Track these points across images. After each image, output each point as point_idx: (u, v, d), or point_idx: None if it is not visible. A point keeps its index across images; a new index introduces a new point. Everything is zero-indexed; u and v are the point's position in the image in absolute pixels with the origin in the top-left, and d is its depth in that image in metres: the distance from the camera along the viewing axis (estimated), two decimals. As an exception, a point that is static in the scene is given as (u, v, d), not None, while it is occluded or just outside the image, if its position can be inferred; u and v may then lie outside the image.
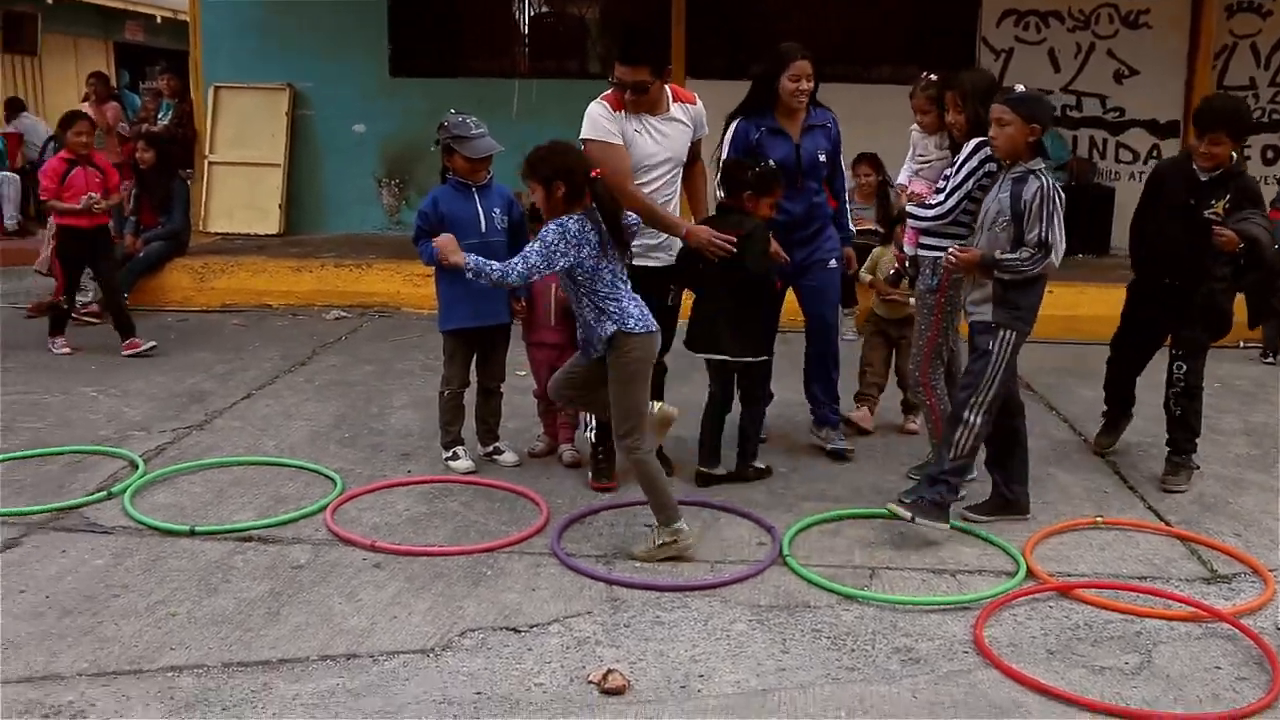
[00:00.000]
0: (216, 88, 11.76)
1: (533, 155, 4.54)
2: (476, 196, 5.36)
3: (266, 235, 11.53)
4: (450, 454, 5.52)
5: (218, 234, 11.54)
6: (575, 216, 4.45)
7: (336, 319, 9.18)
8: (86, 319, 8.73)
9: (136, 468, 5.39)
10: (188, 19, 12.53)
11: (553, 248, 4.39)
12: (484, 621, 3.93)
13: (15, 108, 15.02)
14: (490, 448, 5.63)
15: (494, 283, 4.49)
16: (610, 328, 4.46)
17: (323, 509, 4.90)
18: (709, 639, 3.84)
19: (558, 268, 4.43)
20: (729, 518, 4.93)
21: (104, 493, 5.10)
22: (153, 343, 7.80)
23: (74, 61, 19.59)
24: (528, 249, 4.46)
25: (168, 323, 8.80)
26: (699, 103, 5.34)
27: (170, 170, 9.60)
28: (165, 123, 11.99)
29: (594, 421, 5.23)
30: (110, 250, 8.17)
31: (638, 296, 4.61)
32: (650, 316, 4.58)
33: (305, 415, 6.41)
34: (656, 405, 4.78)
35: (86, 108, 11.91)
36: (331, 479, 5.27)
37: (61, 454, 5.66)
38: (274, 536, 4.67)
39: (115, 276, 8.15)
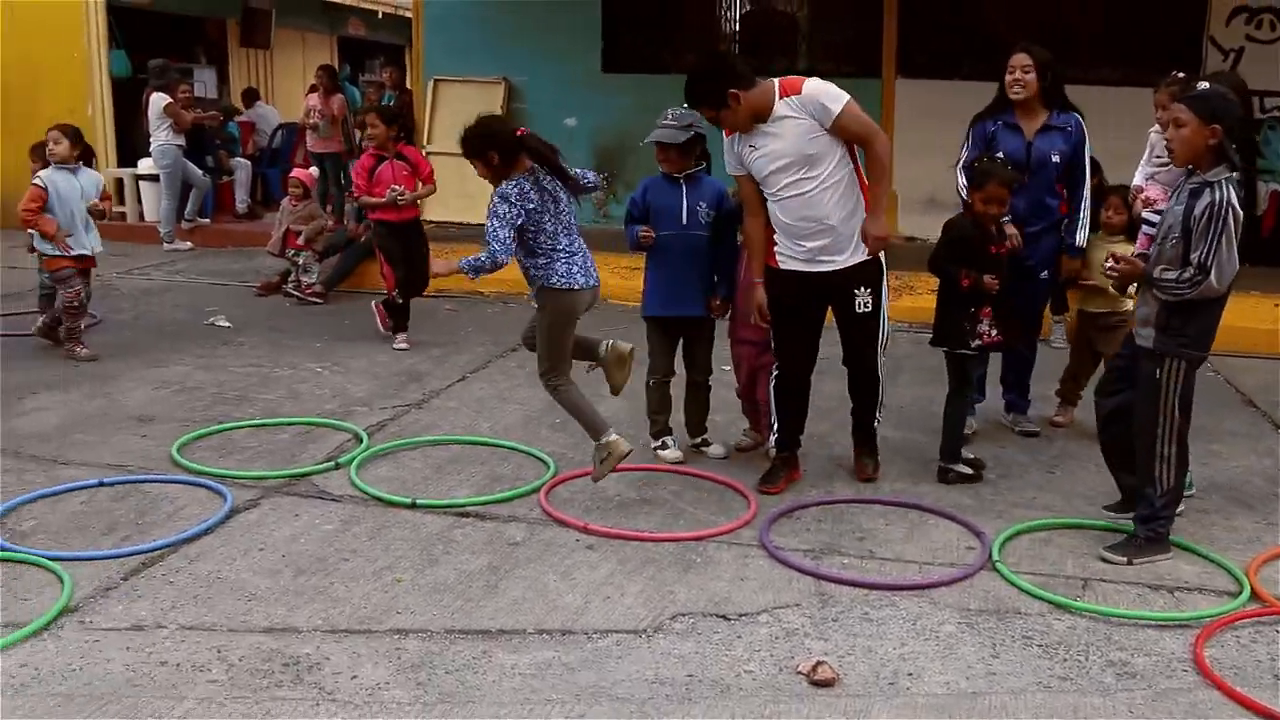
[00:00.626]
0: (436, 80, 12.23)
1: (462, 135, 4.87)
2: (684, 188, 5.41)
3: (479, 224, 11.83)
4: (659, 443, 5.62)
5: (433, 222, 11.94)
6: (513, 180, 4.80)
7: (544, 308, 9.40)
8: (310, 299, 9.21)
9: (360, 441, 5.67)
10: (408, 14, 13.03)
11: (503, 215, 4.74)
12: (694, 607, 4.01)
13: (251, 97, 15.89)
14: (698, 439, 5.70)
15: (489, 267, 4.76)
16: (538, 282, 4.92)
17: (537, 490, 5.06)
18: (918, 638, 3.83)
19: (518, 225, 4.77)
20: (938, 520, 4.89)
21: (332, 463, 5.38)
22: (405, 346, 7.81)
23: (301, 55, 20.56)
24: (487, 228, 4.75)
25: (386, 305, 9.14)
26: (807, 88, 4.80)
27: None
28: (387, 114, 12.47)
29: (777, 431, 5.28)
30: (420, 243, 8.02)
31: (581, 252, 4.98)
32: (579, 274, 4.92)
33: (518, 400, 6.61)
34: (608, 343, 5.09)
35: (314, 99, 12.50)
36: (545, 461, 5.44)
37: (292, 424, 6.01)
38: (490, 513, 4.85)
39: (422, 272, 7.79)
